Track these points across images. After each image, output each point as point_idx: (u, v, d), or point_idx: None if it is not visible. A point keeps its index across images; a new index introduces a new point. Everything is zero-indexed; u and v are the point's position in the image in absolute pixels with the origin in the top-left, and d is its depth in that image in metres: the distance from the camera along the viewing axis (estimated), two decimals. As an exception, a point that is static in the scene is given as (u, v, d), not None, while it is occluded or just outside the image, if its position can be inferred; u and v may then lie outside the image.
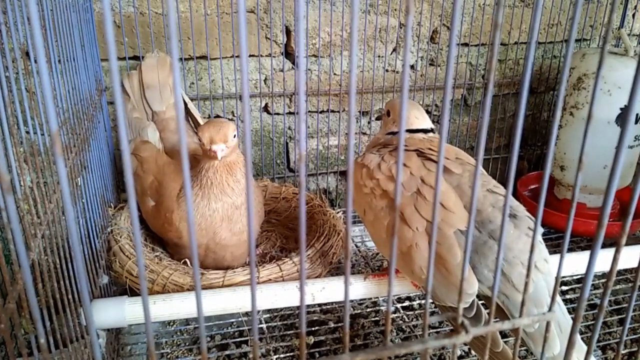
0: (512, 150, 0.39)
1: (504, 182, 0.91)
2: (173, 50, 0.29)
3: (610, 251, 0.44)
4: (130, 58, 1.30)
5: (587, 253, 1.06)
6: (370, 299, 1.23)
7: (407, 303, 1.23)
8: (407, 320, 1.18)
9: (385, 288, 0.96)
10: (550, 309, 0.42)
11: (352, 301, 1.19)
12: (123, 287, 1.03)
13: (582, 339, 0.87)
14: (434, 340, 0.38)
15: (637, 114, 1.35)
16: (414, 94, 1.56)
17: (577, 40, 1.69)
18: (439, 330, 1.17)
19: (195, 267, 0.33)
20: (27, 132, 0.68)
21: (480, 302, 0.81)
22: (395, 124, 0.98)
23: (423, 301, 1.22)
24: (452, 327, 0.43)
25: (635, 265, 1.04)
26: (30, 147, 0.67)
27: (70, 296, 0.73)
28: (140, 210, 1.14)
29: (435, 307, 1.20)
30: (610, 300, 1.29)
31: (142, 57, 1.27)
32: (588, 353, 0.49)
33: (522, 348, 1.03)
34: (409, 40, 0.32)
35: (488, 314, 0.82)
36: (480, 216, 0.81)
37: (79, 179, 0.88)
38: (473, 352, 1.10)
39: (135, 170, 1.14)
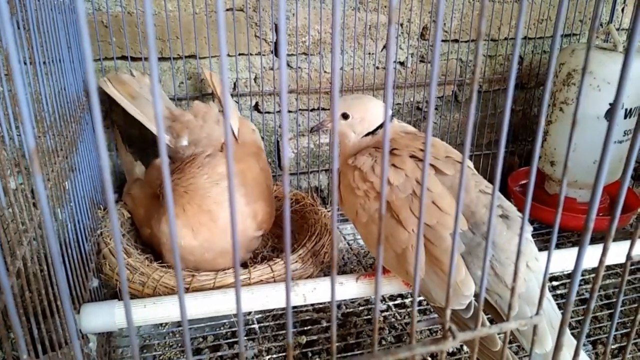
0: (499, 150, 0.39)
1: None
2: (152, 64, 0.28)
3: (600, 247, 0.44)
4: (118, 58, 1.28)
5: (576, 250, 1.06)
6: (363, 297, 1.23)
7: (399, 301, 1.23)
8: (399, 318, 1.18)
9: (381, 279, 0.96)
10: (537, 312, 0.43)
11: (344, 300, 1.19)
12: (113, 290, 1.03)
13: (572, 334, 0.88)
14: (421, 346, 0.38)
15: (626, 109, 1.36)
16: (405, 90, 1.56)
17: (566, 35, 1.69)
18: (431, 328, 1.18)
19: (180, 282, 0.32)
20: (11, 139, 0.67)
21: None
22: (362, 123, 0.94)
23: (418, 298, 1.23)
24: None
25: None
26: (15, 152, 0.66)
27: (59, 302, 0.72)
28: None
29: (427, 304, 1.20)
30: (600, 295, 1.30)
31: (117, 70, 1.29)
32: (577, 350, 0.49)
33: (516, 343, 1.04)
34: (392, 47, 0.32)
35: (485, 313, 0.82)
36: (474, 218, 0.82)
37: (66, 182, 0.87)
38: (464, 349, 1.11)
39: (132, 207, 1.22)
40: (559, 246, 1.48)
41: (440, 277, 0.80)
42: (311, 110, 1.51)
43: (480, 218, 0.81)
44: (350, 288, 0.96)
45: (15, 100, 0.69)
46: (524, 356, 1.03)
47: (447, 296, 0.39)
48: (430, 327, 1.17)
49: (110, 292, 1.07)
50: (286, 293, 0.36)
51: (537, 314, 0.42)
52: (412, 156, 0.86)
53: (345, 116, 0.94)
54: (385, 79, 0.32)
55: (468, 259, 0.79)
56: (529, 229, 0.87)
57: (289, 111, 1.49)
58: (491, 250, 0.80)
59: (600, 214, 1.46)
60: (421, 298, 1.13)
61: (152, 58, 0.29)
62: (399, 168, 0.84)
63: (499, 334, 0.80)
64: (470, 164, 0.96)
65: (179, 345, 1.11)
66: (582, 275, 1.32)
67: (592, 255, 0.51)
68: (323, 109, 1.52)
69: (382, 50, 1.51)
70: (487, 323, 0.81)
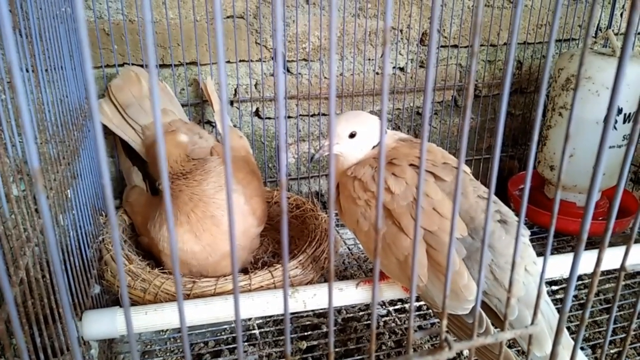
0: (494, 154, 0.39)
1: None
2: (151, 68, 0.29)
3: (597, 252, 0.44)
4: (119, 65, 1.29)
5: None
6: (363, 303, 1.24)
7: (399, 305, 1.23)
8: (399, 322, 1.19)
9: (378, 293, 0.96)
10: (532, 322, 0.43)
11: (344, 305, 1.20)
12: (115, 296, 1.03)
13: (571, 338, 0.88)
14: (417, 357, 0.39)
15: (625, 114, 1.36)
16: (404, 95, 1.56)
17: (565, 40, 1.70)
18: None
19: (179, 294, 0.33)
20: (13, 146, 0.68)
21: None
22: (370, 137, 0.94)
23: (416, 304, 1.23)
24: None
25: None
26: (18, 159, 0.67)
27: (61, 309, 0.73)
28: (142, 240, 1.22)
29: (427, 309, 1.21)
30: (600, 299, 1.30)
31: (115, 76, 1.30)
32: (573, 356, 0.49)
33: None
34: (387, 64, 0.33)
35: (488, 317, 0.82)
36: (473, 223, 0.82)
37: (69, 190, 0.88)
38: (464, 353, 1.11)
39: (131, 214, 1.24)
40: (558, 250, 1.48)
41: (443, 282, 0.80)
42: (311, 116, 1.52)
43: (479, 223, 0.82)
44: (350, 294, 0.97)
45: (19, 112, 0.70)
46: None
47: (443, 306, 0.40)
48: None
49: (112, 298, 1.07)
50: (284, 304, 0.36)
51: (532, 323, 0.43)
52: (411, 165, 0.87)
53: (352, 135, 0.92)
54: (382, 93, 0.33)
55: (468, 263, 0.80)
56: (526, 233, 0.87)
57: (290, 117, 1.50)
58: (490, 254, 0.80)
59: (600, 218, 1.47)
60: (422, 303, 1.13)
61: (151, 64, 0.29)
62: (399, 177, 0.85)
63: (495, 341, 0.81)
64: (468, 170, 0.97)
65: (180, 350, 1.12)
66: (582, 279, 1.32)
67: (589, 261, 0.52)
68: (323, 114, 1.53)
69: (381, 56, 1.52)
70: (491, 327, 0.81)
